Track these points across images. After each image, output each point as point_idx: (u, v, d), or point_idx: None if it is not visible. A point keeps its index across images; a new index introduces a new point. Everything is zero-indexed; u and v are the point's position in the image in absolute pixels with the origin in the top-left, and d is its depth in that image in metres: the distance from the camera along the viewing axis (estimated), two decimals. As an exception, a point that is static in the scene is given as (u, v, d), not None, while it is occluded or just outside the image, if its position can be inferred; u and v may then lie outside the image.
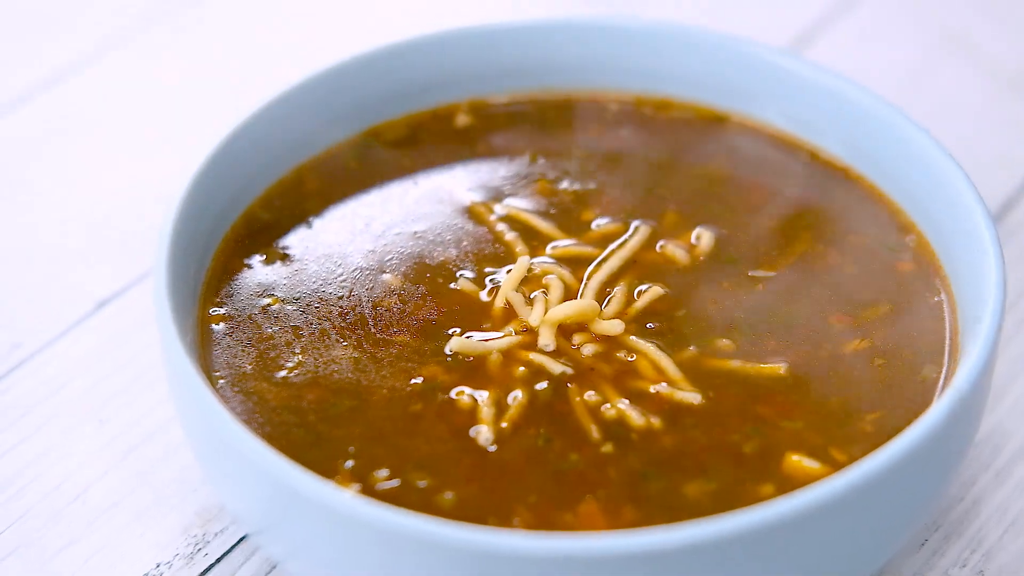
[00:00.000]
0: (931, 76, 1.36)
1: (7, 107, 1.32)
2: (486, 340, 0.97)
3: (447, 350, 0.96)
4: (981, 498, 1.01)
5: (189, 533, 0.99)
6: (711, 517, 0.82)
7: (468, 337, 0.97)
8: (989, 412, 1.06)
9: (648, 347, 0.96)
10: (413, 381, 0.94)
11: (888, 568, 0.97)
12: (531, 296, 0.99)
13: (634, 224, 1.05)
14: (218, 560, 0.98)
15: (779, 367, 0.95)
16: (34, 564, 0.98)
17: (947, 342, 0.97)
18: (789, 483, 0.89)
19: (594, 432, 0.92)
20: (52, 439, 1.05)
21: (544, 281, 1.00)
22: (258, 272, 1.01)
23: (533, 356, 0.96)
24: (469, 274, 1.01)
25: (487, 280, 1.01)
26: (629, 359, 0.96)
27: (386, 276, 1.01)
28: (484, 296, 1.00)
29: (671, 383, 0.94)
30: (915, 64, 1.37)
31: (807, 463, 0.90)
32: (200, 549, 0.98)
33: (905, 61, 1.37)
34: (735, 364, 0.96)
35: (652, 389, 0.94)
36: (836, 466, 0.90)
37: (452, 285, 1.00)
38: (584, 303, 0.97)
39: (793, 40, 1.38)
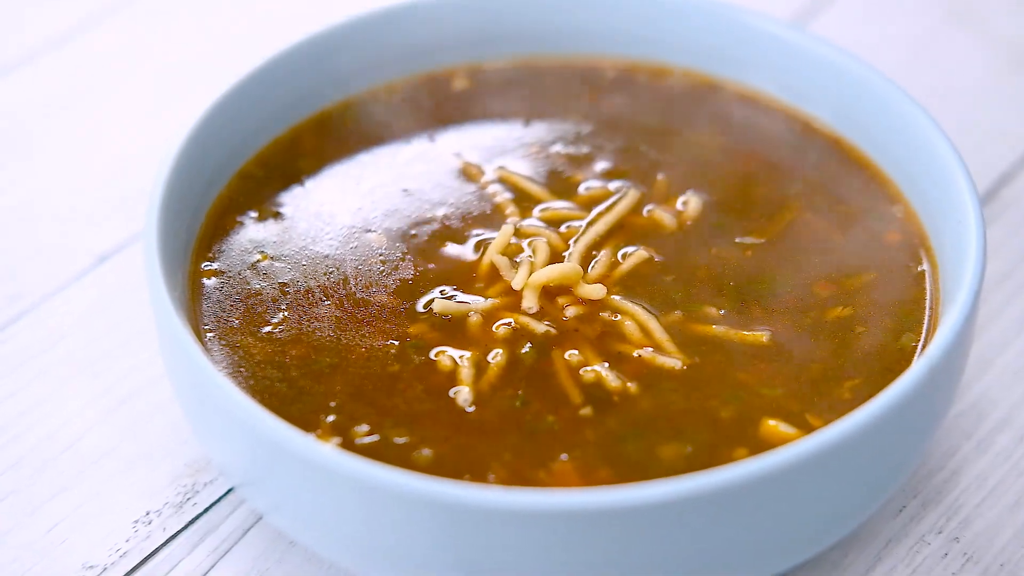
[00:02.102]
0: (935, 50, 1.36)
1: (11, 67, 1.34)
2: (468, 301, 0.98)
3: (430, 309, 0.97)
4: (961, 467, 1.02)
5: (179, 483, 1.01)
6: (682, 475, 0.84)
7: (451, 298, 0.98)
8: (975, 381, 1.07)
9: (635, 309, 0.97)
10: (394, 340, 0.96)
11: (864, 533, 0.98)
12: (517, 259, 1.00)
13: (623, 188, 1.06)
14: (206, 510, 0.99)
15: (762, 335, 0.96)
16: (26, 509, 0.99)
17: (927, 312, 0.98)
18: (763, 447, 0.90)
19: (574, 395, 0.93)
20: (47, 390, 1.07)
21: (530, 243, 1.01)
22: (250, 229, 1.03)
23: (515, 317, 0.97)
24: (457, 234, 1.02)
25: (475, 240, 1.02)
26: (614, 318, 0.97)
27: (374, 235, 1.02)
28: (471, 256, 1.01)
29: (656, 347, 0.95)
30: (919, 38, 1.37)
31: (783, 428, 0.91)
32: (189, 499, 1.00)
33: (909, 35, 1.38)
34: (719, 330, 0.97)
35: (635, 353, 0.95)
36: (812, 432, 0.91)
37: (440, 247, 1.02)
38: (567, 267, 0.98)
39: (798, 11, 1.38)
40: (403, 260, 1.01)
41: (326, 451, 0.85)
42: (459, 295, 0.98)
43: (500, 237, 1.01)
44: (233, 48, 1.35)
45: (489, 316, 0.97)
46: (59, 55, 1.35)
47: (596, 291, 0.98)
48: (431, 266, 1.00)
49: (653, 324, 0.97)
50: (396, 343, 0.95)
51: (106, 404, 1.05)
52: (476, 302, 0.98)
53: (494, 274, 1.00)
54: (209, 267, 1.00)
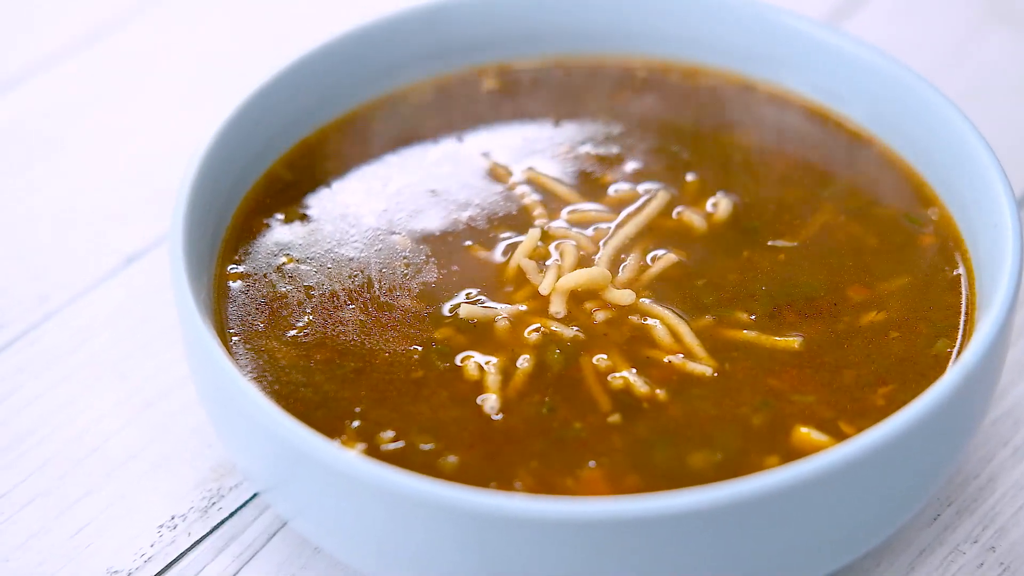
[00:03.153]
0: (971, 49, 1.34)
1: (42, 65, 1.33)
2: (495, 306, 0.97)
3: (456, 314, 0.96)
4: (997, 475, 1.01)
5: (204, 487, 1.00)
6: (712, 484, 0.83)
7: (477, 302, 0.97)
8: (1012, 387, 1.05)
9: (666, 313, 0.96)
10: (419, 345, 0.95)
11: (898, 542, 0.96)
12: (544, 264, 0.99)
13: (653, 190, 1.05)
14: (231, 514, 0.99)
15: (794, 341, 0.95)
16: (52, 512, 0.99)
17: (963, 317, 0.96)
18: (795, 455, 0.89)
19: (603, 401, 0.92)
20: (75, 391, 1.06)
21: (558, 246, 1.00)
22: (277, 231, 1.02)
23: (543, 322, 0.96)
24: (484, 236, 1.01)
25: (502, 243, 1.01)
26: (643, 322, 0.96)
27: (399, 237, 1.02)
28: (498, 259, 1.00)
29: (687, 352, 0.94)
30: (954, 37, 1.36)
31: (815, 436, 0.90)
32: (214, 503, 0.99)
33: (944, 34, 1.36)
34: (750, 335, 0.96)
35: (666, 359, 0.94)
36: (844, 439, 0.89)
37: (466, 249, 1.01)
38: (595, 271, 0.97)
39: (832, 10, 1.37)
40: (427, 263, 1.00)
41: (351, 458, 0.84)
42: (485, 299, 0.97)
43: (527, 241, 1.00)
44: (261, 48, 1.34)
45: (516, 321, 0.96)
46: (87, 55, 1.35)
47: (625, 297, 0.97)
48: (455, 268, 0.99)
49: (683, 329, 0.96)
50: (420, 348, 0.95)
51: (133, 406, 1.05)
52: (503, 307, 0.97)
53: (521, 278, 0.99)
54: (235, 270, 0.99)
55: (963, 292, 0.98)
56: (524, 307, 0.97)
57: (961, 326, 0.96)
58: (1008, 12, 1.37)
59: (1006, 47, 1.34)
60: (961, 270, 0.99)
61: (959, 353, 0.94)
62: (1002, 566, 0.96)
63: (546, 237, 1.01)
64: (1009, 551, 0.97)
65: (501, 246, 1.01)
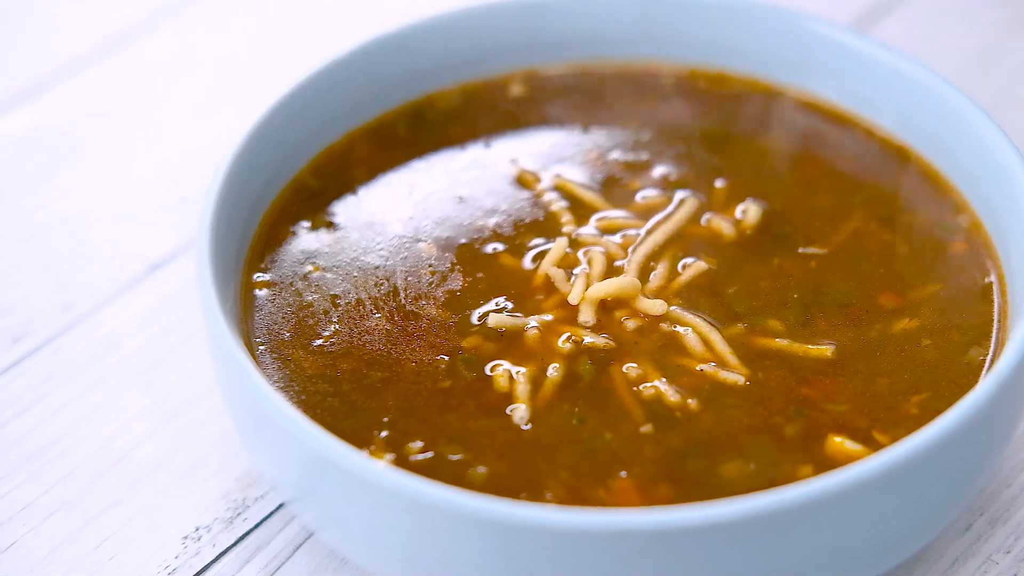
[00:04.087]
0: (1002, 56, 1.33)
1: (66, 72, 1.33)
2: (523, 315, 0.96)
3: (484, 322, 0.96)
4: (1030, 484, 1.00)
5: (229, 498, 0.99)
6: (745, 495, 0.82)
7: (503, 310, 0.96)
8: (1046, 395, 1.04)
9: (697, 321, 0.96)
10: (445, 355, 0.94)
11: (930, 552, 0.95)
12: (573, 272, 0.98)
13: (682, 196, 1.04)
14: (257, 526, 0.98)
15: (827, 349, 0.94)
16: (76, 523, 0.98)
17: (995, 325, 0.95)
18: (829, 465, 0.88)
19: (636, 412, 0.91)
20: (99, 400, 1.06)
21: (587, 254, 0.99)
22: (303, 239, 1.01)
23: (573, 331, 0.95)
24: (511, 243, 1.01)
25: (529, 250, 1.00)
26: (674, 329, 0.95)
27: (424, 244, 1.01)
28: (525, 266, 0.99)
29: (719, 361, 0.94)
30: (985, 43, 1.35)
31: (849, 445, 0.89)
32: (239, 514, 0.99)
33: (975, 40, 1.35)
34: (782, 343, 0.95)
35: (698, 368, 0.93)
36: (878, 448, 0.88)
37: (493, 257, 1.00)
38: (625, 281, 0.97)
39: (860, 16, 1.36)
40: (453, 271, 0.99)
41: (379, 468, 0.84)
42: (514, 308, 0.97)
43: (554, 250, 0.99)
44: (287, 55, 1.34)
45: (546, 330, 0.95)
46: (111, 62, 1.34)
47: (656, 307, 0.96)
48: (481, 276, 0.99)
49: (715, 337, 0.95)
50: (447, 357, 0.94)
51: (157, 416, 1.04)
52: (531, 316, 0.96)
53: (549, 285, 0.98)
54: (261, 278, 0.99)
55: (995, 300, 0.97)
56: (553, 316, 0.96)
57: (994, 334, 0.95)
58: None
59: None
60: (993, 277, 0.98)
61: (992, 361, 0.93)
62: (1036, 577, 0.95)
63: (574, 244, 1.00)
64: (1042, 562, 0.96)
65: (529, 254, 1.00)
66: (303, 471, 0.87)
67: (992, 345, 0.94)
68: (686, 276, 0.99)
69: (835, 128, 1.09)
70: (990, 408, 0.86)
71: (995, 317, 0.96)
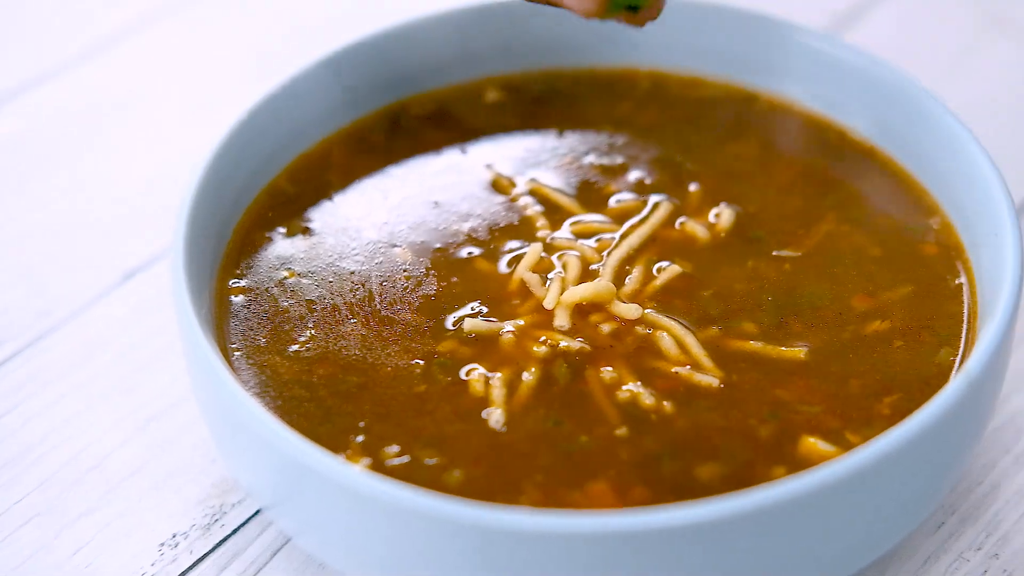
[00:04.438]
0: (972, 59, 1.34)
1: (39, 81, 1.33)
2: (498, 320, 0.96)
3: (460, 327, 0.96)
4: (1000, 482, 1.00)
5: (206, 504, 0.99)
6: (720, 496, 0.82)
7: (478, 314, 0.97)
8: (1014, 394, 1.05)
9: (672, 324, 0.96)
10: (420, 360, 0.94)
11: (902, 550, 0.96)
12: (548, 276, 0.98)
13: (656, 200, 1.04)
14: (234, 532, 0.98)
15: (800, 351, 0.95)
16: (52, 531, 0.98)
17: (965, 326, 0.96)
18: (803, 466, 0.89)
19: (611, 415, 0.91)
20: (75, 407, 1.06)
21: (561, 257, 1.00)
22: (279, 245, 1.02)
23: (548, 335, 0.95)
24: (486, 247, 1.01)
25: (504, 254, 1.01)
26: (647, 331, 0.96)
27: (399, 249, 1.01)
28: (500, 270, 1.00)
29: (694, 364, 0.94)
30: (956, 47, 1.35)
31: (822, 446, 0.90)
32: (216, 520, 0.99)
33: (946, 44, 1.36)
34: (757, 346, 0.95)
35: (673, 370, 0.94)
36: (851, 449, 0.89)
37: (468, 261, 1.00)
38: (600, 285, 0.97)
39: (835, 20, 1.37)
40: (428, 276, 0.99)
41: (356, 473, 0.84)
42: (490, 313, 0.97)
43: (529, 256, 0.99)
44: (263, 62, 1.34)
45: (521, 334, 0.96)
46: (85, 71, 1.34)
47: (631, 311, 0.96)
48: (456, 280, 0.99)
49: (690, 340, 0.95)
50: (423, 362, 0.94)
51: (134, 423, 1.04)
52: (506, 321, 0.96)
53: (524, 289, 0.98)
54: (237, 284, 0.99)
55: (965, 301, 0.98)
56: (528, 320, 0.96)
57: (963, 335, 0.96)
58: (1009, 23, 1.37)
59: (1006, 57, 1.34)
60: (963, 279, 0.99)
61: (962, 362, 0.94)
62: (1006, 573, 0.95)
63: (549, 248, 1.01)
64: (1012, 558, 0.96)
65: (504, 258, 1.01)
66: (279, 477, 0.87)
67: (962, 345, 0.95)
68: (661, 279, 0.99)
69: (808, 131, 1.09)
70: (960, 408, 0.86)
71: (965, 318, 0.97)
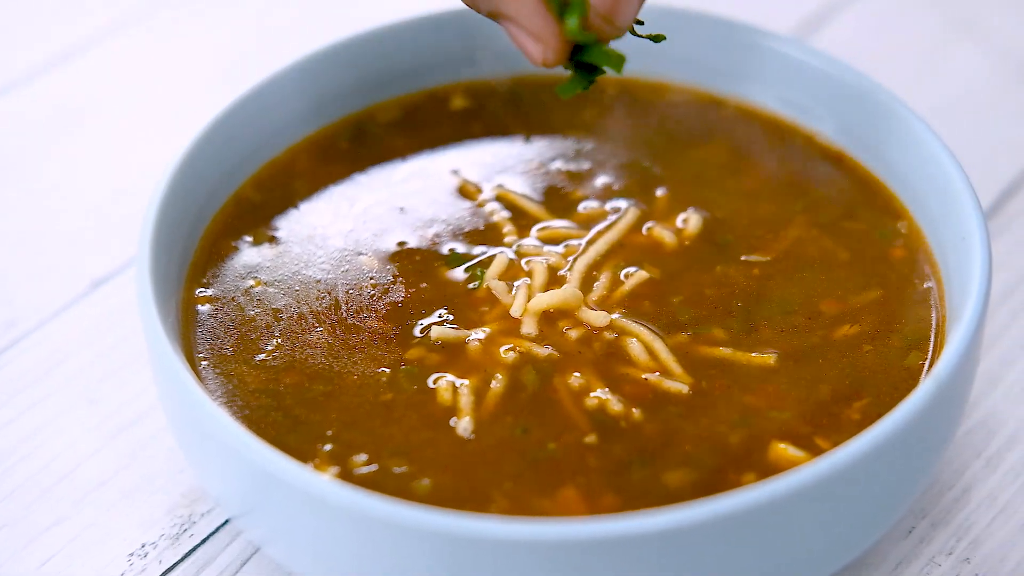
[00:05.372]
0: (939, 62, 1.35)
1: (9, 88, 1.32)
2: (467, 328, 0.96)
3: (427, 334, 0.96)
4: (971, 486, 1.00)
5: (175, 514, 0.99)
6: (689, 502, 0.82)
7: (444, 322, 0.96)
8: (983, 398, 1.05)
9: (640, 330, 0.96)
10: (386, 368, 0.94)
11: (873, 555, 0.96)
12: (515, 284, 0.98)
13: (623, 206, 1.04)
14: (203, 541, 0.98)
15: (770, 357, 0.95)
16: (20, 542, 0.98)
17: (933, 329, 0.96)
18: (773, 472, 0.89)
19: (580, 421, 0.91)
20: (43, 418, 1.05)
21: (528, 264, 1.00)
22: (245, 254, 1.01)
23: (516, 342, 0.95)
24: (455, 255, 1.01)
25: (470, 262, 1.00)
26: (617, 337, 0.95)
27: (365, 257, 1.01)
28: (466, 277, 0.99)
29: (663, 370, 0.94)
30: (924, 50, 1.36)
31: (792, 452, 0.90)
32: (186, 530, 0.98)
33: (913, 47, 1.36)
34: (726, 352, 0.95)
35: (642, 377, 0.94)
36: (821, 454, 0.89)
37: (434, 268, 1.00)
38: (567, 292, 0.97)
39: (801, 25, 1.37)
40: (395, 283, 0.99)
41: (324, 482, 0.83)
42: (456, 320, 0.97)
43: (495, 265, 0.99)
44: (228, 70, 1.34)
45: (489, 341, 0.95)
46: (52, 79, 1.34)
47: (599, 319, 0.96)
48: (424, 287, 0.99)
49: (659, 346, 0.95)
50: (389, 370, 0.94)
51: (102, 433, 1.04)
52: (474, 328, 0.96)
53: (492, 297, 0.98)
54: (203, 293, 0.99)
55: (933, 304, 0.98)
56: (495, 328, 0.96)
57: (932, 338, 0.96)
58: (974, 26, 1.37)
59: (972, 62, 1.35)
60: (931, 283, 0.99)
61: (931, 366, 0.94)
62: (977, 577, 0.96)
63: (516, 254, 1.01)
64: (983, 562, 0.96)
65: (469, 265, 1.00)
66: (247, 486, 0.87)
67: (931, 349, 0.95)
68: (629, 285, 0.99)
69: (775, 136, 1.10)
70: (930, 412, 0.86)
71: (934, 321, 0.97)
